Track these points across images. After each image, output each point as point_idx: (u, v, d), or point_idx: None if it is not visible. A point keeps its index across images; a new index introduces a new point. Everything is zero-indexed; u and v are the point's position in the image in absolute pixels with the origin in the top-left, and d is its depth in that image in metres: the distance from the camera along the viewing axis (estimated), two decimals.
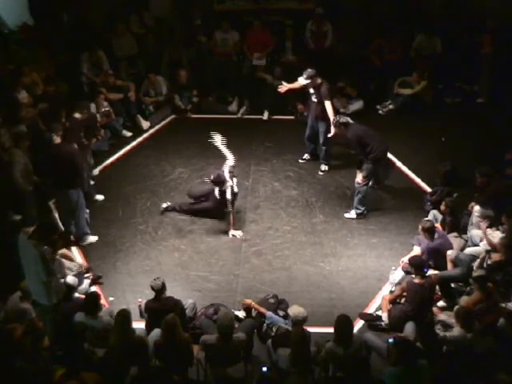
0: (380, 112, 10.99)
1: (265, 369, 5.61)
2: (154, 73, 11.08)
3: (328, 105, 8.90)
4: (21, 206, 7.63)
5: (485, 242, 7.08)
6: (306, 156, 9.67)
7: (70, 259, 7.21)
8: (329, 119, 8.84)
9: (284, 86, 9.37)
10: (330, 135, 8.63)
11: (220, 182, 8.00)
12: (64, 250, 7.15)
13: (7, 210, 7.66)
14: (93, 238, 8.03)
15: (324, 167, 9.46)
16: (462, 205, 7.79)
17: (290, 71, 11.01)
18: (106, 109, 10.04)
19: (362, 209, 8.36)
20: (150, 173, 9.53)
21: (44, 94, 9.57)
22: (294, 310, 6.04)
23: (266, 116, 10.98)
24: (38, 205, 7.79)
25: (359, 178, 8.23)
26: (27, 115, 8.79)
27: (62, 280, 6.69)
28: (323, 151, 9.39)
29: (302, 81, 8.96)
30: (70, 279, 6.82)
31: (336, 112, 9.23)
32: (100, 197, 8.81)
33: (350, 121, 8.41)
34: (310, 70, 8.93)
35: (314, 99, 9.08)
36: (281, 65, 11.39)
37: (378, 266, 7.58)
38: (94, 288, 7.20)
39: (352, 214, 8.40)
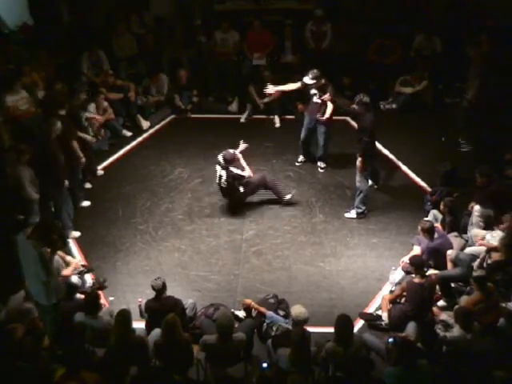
0: (381, 107, 10.97)
1: (265, 365, 5.62)
2: (155, 72, 11.10)
3: (330, 107, 8.93)
4: (28, 211, 7.74)
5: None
6: (302, 158, 9.64)
7: (65, 261, 7.10)
8: (330, 120, 8.92)
9: (272, 89, 9.38)
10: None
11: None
12: (60, 253, 7.11)
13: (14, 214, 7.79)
14: (76, 233, 8.08)
15: (323, 164, 9.49)
16: (462, 205, 7.80)
17: (288, 71, 11.10)
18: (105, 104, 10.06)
19: (363, 208, 8.36)
20: (149, 173, 9.54)
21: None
22: (296, 310, 6.03)
23: (278, 123, 10.82)
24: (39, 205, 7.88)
25: (358, 161, 8.17)
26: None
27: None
28: (322, 151, 9.39)
29: (307, 80, 8.94)
30: (74, 279, 6.83)
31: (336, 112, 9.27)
32: (86, 203, 8.74)
33: None
34: (315, 70, 8.93)
35: (316, 100, 9.05)
36: (279, 65, 11.39)
37: (378, 265, 7.58)
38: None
39: (352, 213, 8.40)
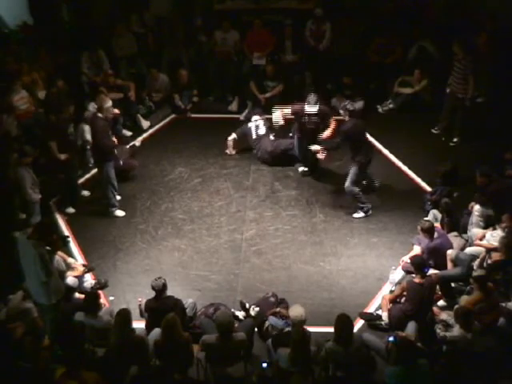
0: (380, 110, 10.97)
1: (265, 364, 5.62)
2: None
3: (330, 128, 8.79)
4: (29, 212, 7.82)
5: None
6: (302, 168, 9.52)
7: (65, 262, 7.12)
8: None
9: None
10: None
11: None
12: (60, 253, 7.10)
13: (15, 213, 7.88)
14: (120, 213, 8.43)
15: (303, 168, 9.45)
16: (462, 205, 7.80)
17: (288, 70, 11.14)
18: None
19: (366, 205, 8.36)
20: (149, 172, 9.53)
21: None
22: (293, 312, 6.03)
23: None
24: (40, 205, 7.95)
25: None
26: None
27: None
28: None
29: (310, 109, 8.67)
30: (70, 280, 6.83)
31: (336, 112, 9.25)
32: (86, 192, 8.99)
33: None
34: (312, 95, 8.74)
35: (312, 121, 8.80)
36: (278, 64, 11.40)
37: (378, 265, 7.58)
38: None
39: (360, 213, 8.40)
